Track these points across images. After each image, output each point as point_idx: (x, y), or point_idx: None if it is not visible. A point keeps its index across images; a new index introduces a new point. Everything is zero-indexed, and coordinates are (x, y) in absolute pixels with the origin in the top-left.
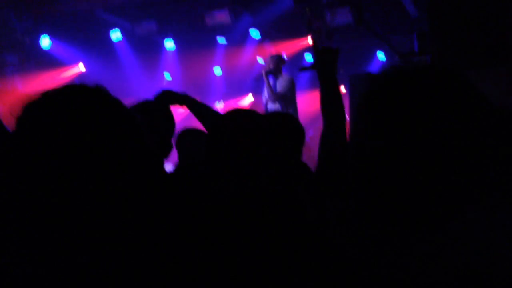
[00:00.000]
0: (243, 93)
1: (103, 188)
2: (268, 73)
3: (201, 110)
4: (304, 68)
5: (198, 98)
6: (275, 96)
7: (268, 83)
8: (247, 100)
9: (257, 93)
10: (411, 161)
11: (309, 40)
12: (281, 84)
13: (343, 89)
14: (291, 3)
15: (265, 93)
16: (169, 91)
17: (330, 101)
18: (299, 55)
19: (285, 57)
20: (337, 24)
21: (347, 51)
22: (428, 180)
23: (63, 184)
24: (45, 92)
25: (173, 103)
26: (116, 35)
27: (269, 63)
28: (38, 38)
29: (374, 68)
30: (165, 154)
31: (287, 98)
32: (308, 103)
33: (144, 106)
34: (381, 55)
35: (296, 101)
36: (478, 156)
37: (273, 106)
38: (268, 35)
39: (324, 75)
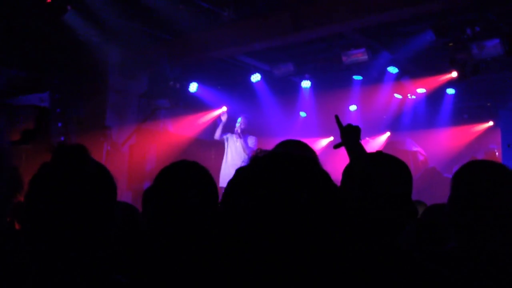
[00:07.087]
0: (379, 130)
1: None
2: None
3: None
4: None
5: (332, 135)
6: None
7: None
8: (384, 137)
9: (394, 131)
10: None
11: (453, 74)
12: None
13: (490, 122)
14: (432, 37)
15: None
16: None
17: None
18: (440, 91)
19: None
20: (485, 56)
21: (495, 83)
22: None
23: None
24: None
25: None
26: (255, 77)
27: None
28: (186, 83)
29: None
30: None
31: None
32: (452, 139)
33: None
34: None
35: None
36: None
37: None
38: (407, 72)
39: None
